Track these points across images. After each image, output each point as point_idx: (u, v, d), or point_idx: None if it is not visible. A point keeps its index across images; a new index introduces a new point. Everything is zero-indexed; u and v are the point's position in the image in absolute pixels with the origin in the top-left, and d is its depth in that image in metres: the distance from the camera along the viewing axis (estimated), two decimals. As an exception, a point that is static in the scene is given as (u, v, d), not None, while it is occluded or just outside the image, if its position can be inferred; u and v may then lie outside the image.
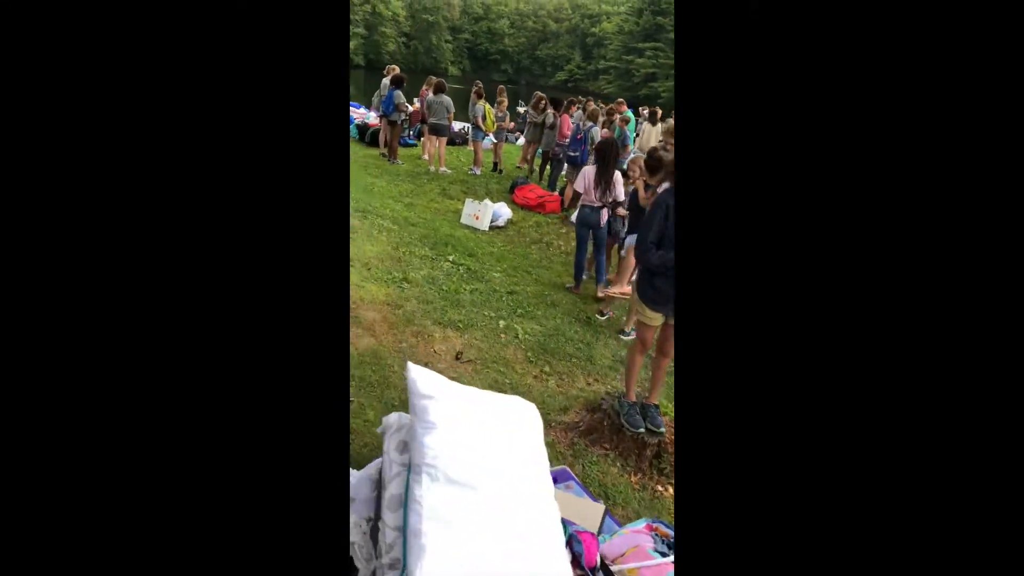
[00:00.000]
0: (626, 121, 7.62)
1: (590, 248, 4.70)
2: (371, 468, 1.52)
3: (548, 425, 2.42)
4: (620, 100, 8.17)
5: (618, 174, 4.23)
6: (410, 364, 1.39)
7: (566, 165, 6.87)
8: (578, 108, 7.72)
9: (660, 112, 8.69)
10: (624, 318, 3.79)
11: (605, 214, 4.24)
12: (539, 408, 2.58)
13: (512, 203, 6.59)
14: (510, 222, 6.00)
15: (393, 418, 1.45)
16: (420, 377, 1.34)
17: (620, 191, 4.20)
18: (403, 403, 2.41)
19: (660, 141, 4.21)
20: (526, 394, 2.69)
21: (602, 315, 3.90)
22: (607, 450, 2.26)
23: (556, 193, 6.93)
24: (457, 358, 2.92)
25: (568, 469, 1.94)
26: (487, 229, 5.67)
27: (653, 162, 3.28)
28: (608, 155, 4.16)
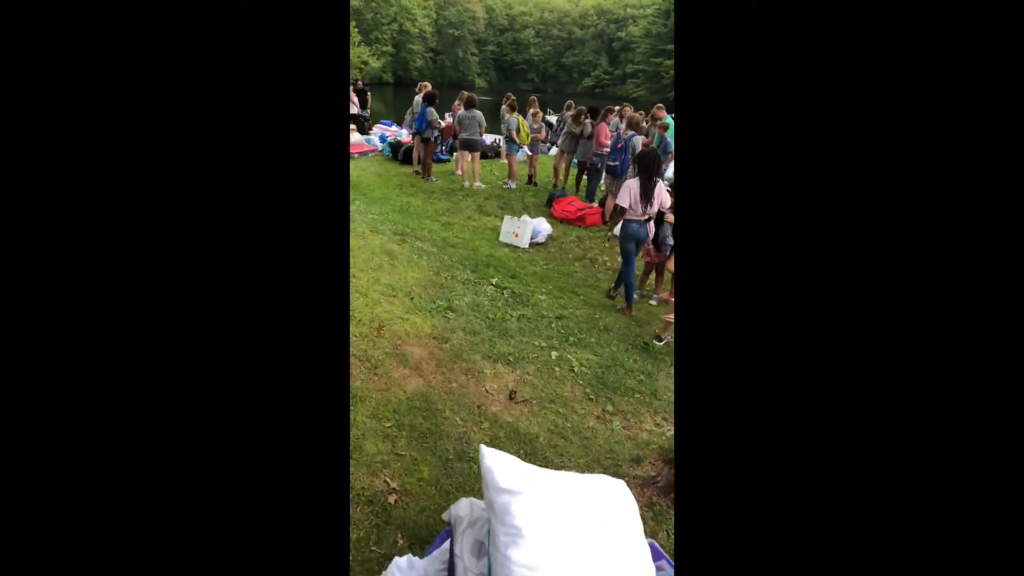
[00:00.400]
0: (665, 128, 7.31)
1: (641, 264, 4.44)
2: (437, 561, 1.30)
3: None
4: (659, 105, 7.85)
5: (660, 184, 4.04)
6: (484, 449, 1.17)
7: (604, 175, 6.60)
8: (615, 116, 7.45)
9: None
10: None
11: (652, 227, 4.05)
12: (609, 458, 2.33)
13: (551, 217, 6.36)
14: (550, 238, 5.77)
15: (463, 507, 1.23)
16: (497, 466, 1.12)
17: (666, 199, 4.03)
18: (459, 456, 2.20)
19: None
20: (592, 440, 2.44)
21: (659, 340, 3.62)
22: (693, 513, 1.99)
23: (596, 205, 6.67)
24: (511, 398, 2.69)
25: (656, 544, 1.68)
26: (527, 247, 5.45)
27: None
28: (651, 166, 3.97)
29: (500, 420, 2.48)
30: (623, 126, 6.34)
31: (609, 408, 2.73)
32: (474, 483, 2.04)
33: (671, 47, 38.32)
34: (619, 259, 5.25)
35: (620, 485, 1.32)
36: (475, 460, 2.14)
